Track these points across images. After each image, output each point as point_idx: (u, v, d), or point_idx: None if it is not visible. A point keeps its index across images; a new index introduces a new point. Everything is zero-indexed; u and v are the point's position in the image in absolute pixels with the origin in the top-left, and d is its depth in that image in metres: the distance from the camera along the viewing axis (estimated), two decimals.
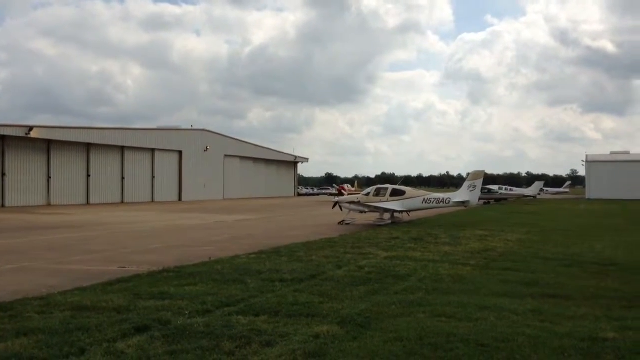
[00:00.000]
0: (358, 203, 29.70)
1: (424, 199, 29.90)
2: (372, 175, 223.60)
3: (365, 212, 30.86)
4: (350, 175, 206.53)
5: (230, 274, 12.12)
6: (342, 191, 54.91)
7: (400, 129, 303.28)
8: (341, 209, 31.12)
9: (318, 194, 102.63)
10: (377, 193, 30.55)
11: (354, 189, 73.59)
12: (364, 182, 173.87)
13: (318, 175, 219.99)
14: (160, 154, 64.71)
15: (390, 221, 29.77)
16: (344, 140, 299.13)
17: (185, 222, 31.16)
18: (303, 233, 23.91)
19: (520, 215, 40.01)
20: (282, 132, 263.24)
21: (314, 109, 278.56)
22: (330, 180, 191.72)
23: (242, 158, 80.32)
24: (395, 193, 30.29)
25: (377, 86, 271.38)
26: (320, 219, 34.69)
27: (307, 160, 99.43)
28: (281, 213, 41.64)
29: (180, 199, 67.34)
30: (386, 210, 29.84)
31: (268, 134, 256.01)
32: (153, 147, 63.27)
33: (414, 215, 32.77)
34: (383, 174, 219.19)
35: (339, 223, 29.43)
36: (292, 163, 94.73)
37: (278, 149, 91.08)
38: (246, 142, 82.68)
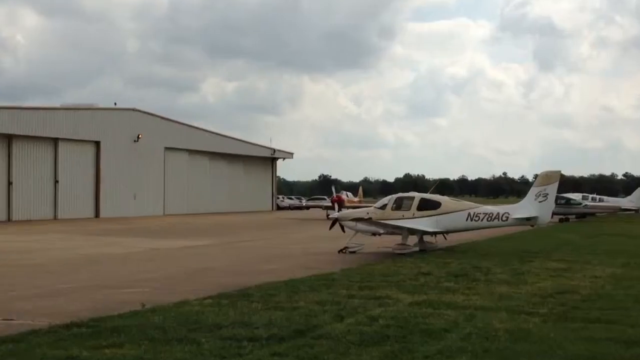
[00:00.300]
0: (369, 220, 30.08)
1: (469, 213, 30.27)
2: (390, 179, 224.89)
3: (380, 235, 31.24)
4: (356, 179, 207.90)
5: (174, 329, 12.12)
6: (341, 203, 54.65)
7: (433, 108, 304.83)
8: (343, 230, 31.63)
9: (308, 207, 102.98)
10: (398, 205, 30.98)
11: (357, 200, 73.62)
12: (377, 189, 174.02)
13: (308, 178, 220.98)
14: (67, 145, 64.83)
15: (417, 248, 30.17)
16: (347, 126, 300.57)
17: (105, 250, 31.48)
18: (285, 266, 24.23)
19: (615, 238, 40.26)
20: (252, 113, 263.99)
21: (301, 78, 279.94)
22: (326, 185, 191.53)
23: (193, 152, 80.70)
24: (426, 205, 30.68)
25: (396, 43, 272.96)
26: (310, 244, 35.31)
27: (291, 155, 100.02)
28: (252, 236, 42.02)
29: (97, 214, 67.46)
30: (411, 231, 30.17)
31: (231, 115, 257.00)
32: (56, 135, 63.37)
33: (453, 239, 32.97)
34: (407, 176, 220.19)
35: (340, 251, 29.92)
36: (269, 160, 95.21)
37: (247, 139, 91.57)
38: (198, 129, 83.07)
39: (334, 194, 65.37)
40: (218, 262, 26.44)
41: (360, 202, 70.08)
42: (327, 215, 47.74)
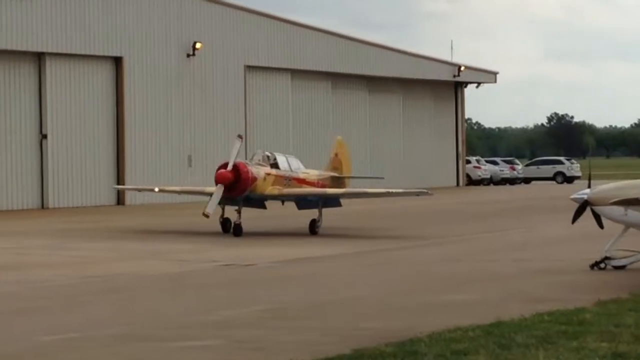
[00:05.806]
0: None
1: None
2: None
3: None
4: (621, 120, 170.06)
5: None
6: (244, 172, 30.04)
7: None
8: (600, 224, 23.15)
9: (527, 180, 74.61)
10: None
11: (319, 173, 35.14)
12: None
13: (526, 121, 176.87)
14: (58, 63, 48.65)
15: None
16: (595, 16, 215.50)
17: (146, 265, 24.70)
18: (485, 295, 18.86)
19: None
20: None
21: None
22: (564, 135, 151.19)
23: (300, 74, 58.78)
24: None
25: None
26: (532, 252, 27.60)
27: (493, 77, 70.42)
28: (412, 238, 32.87)
29: (119, 201, 51.06)
30: None
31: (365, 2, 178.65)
32: (40, 49, 47.00)
33: None
34: None
35: (594, 265, 22.28)
36: (450, 87, 67.69)
37: (400, 46, 65.22)
38: (310, 28, 59.63)
39: (243, 163, 31.36)
40: (352, 288, 20.22)
41: (336, 175, 35.28)
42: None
